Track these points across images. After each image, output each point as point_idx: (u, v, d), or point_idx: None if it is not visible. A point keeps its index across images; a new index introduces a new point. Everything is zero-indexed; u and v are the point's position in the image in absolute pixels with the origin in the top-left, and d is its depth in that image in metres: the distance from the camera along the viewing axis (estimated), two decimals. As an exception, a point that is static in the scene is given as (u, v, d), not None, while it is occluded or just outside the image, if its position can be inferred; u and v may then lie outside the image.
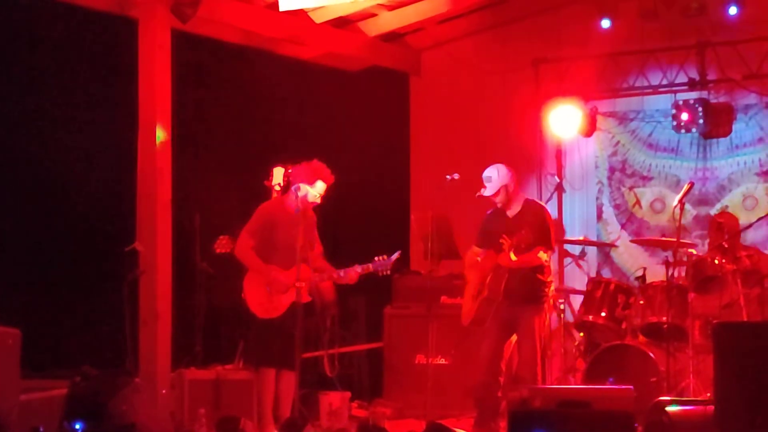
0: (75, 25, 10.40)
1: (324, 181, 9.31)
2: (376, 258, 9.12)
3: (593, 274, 11.01)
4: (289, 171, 9.52)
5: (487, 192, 9.23)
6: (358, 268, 9.18)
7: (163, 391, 9.47)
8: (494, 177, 9.23)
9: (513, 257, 8.94)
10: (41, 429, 7.94)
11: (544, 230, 9.12)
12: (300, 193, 9.18)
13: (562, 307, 10.85)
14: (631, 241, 11.46)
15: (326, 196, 9.42)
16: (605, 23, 11.21)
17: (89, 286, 10.52)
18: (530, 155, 11.93)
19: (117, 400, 8.02)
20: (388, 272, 9.22)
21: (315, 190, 9.29)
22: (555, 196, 11.98)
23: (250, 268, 9.31)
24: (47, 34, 10.45)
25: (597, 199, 12.11)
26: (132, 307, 9.61)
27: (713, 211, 11.21)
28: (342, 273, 9.25)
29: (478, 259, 9.32)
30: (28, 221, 10.46)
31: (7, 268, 10.07)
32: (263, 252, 9.30)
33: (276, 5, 10.43)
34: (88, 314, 10.49)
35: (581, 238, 11.51)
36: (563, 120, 11.69)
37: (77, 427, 7.92)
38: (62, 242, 10.61)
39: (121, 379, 8.40)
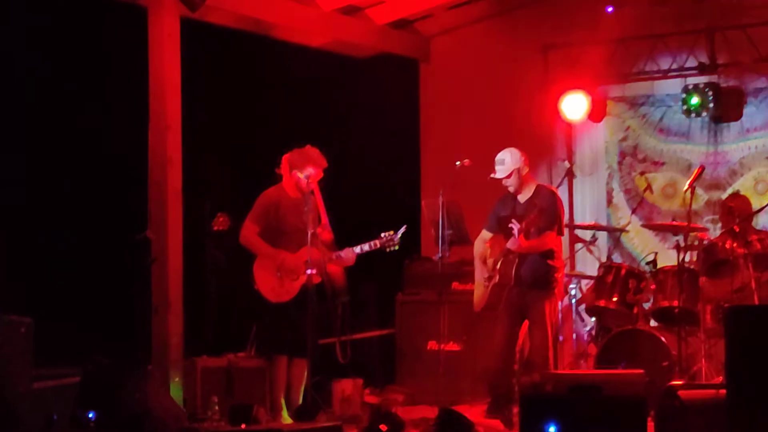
0: (84, 13, 10.40)
1: (314, 167, 9.31)
2: (382, 234, 9.15)
3: (604, 259, 11.00)
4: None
5: (499, 174, 9.21)
6: (365, 246, 9.21)
7: (176, 379, 9.50)
8: (507, 160, 9.21)
9: (522, 242, 8.94)
10: (54, 417, 7.97)
11: (554, 215, 9.11)
12: (301, 176, 9.23)
13: (573, 292, 10.86)
14: (642, 225, 11.43)
15: (339, 182, 9.43)
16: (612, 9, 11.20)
17: (101, 274, 10.54)
18: (540, 141, 11.90)
19: (129, 388, 8.04)
20: (396, 247, 9.25)
21: (305, 175, 9.29)
22: (565, 181, 11.98)
23: (258, 253, 9.33)
24: (56, 22, 10.45)
25: (607, 184, 12.10)
26: (144, 295, 9.63)
27: (724, 196, 11.19)
28: (335, 256, 9.29)
29: (487, 246, 9.33)
30: (39, 209, 10.47)
31: (18, 257, 10.09)
32: (270, 237, 9.33)
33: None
34: (99, 302, 10.50)
35: (592, 223, 11.51)
36: (573, 105, 11.69)
37: (90, 415, 7.94)
38: (73, 230, 10.62)
39: (133, 367, 8.43)
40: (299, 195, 9.26)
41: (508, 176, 9.21)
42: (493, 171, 9.24)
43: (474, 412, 9.20)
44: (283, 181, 9.53)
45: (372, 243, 9.23)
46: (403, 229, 9.22)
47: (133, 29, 9.92)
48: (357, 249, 9.27)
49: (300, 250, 9.12)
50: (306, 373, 9.14)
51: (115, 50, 10.52)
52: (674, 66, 11.55)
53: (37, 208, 10.41)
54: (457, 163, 9.41)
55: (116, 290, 10.11)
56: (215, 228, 10.14)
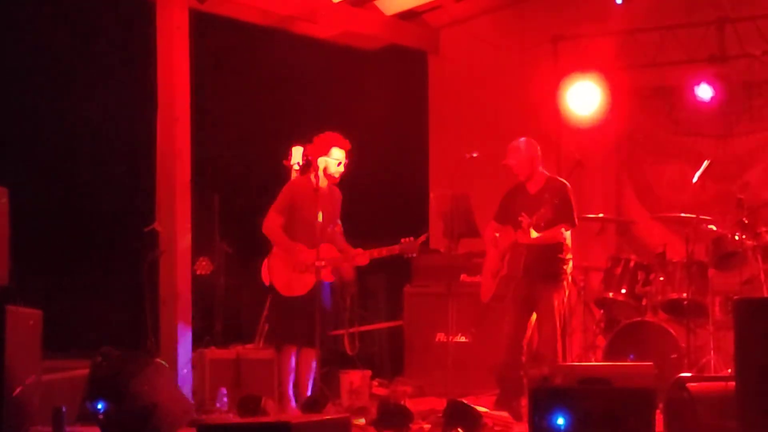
0: (94, 5, 10.41)
1: (339, 146, 9.27)
2: (402, 240, 9.08)
3: (613, 251, 10.97)
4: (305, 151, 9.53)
5: (511, 161, 9.19)
6: (383, 250, 9.14)
7: (184, 371, 9.51)
8: (522, 148, 9.21)
9: (534, 234, 8.92)
10: (63, 409, 7.98)
11: (566, 207, 9.09)
12: (320, 167, 9.17)
13: (582, 284, 10.83)
14: (651, 217, 11.42)
15: (347, 174, 9.40)
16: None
17: (109, 266, 10.56)
18: (549, 132, 11.87)
19: (138, 381, 8.05)
20: (415, 254, 9.18)
21: (333, 158, 9.26)
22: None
23: (277, 245, 9.28)
24: (67, 14, 10.46)
25: (616, 175, 12.07)
26: (152, 288, 9.65)
27: (734, 188, 11.15)
28: (353, 255, 9.25)
29: (497, 234, 9.32)
30: (48, 202, 10.49)
31: (28, 249, 10.11)
32: (289, 230, 9.30)
33: (293, -16, 10.44)
34: (108, 295, 10.53)
35: (600, 215, 11.49)
36: (582, 96, 11.65)
37: (99, 407, 7.95)
38: (82, 223, 10.65)
39: (142, 360, 8.44)
40: (326, 187, 9.21)
41: (521, 164, 9.19)
42: (506, 158, 9.22)
43: (482, 404, 9.18)
44: (303, 174, 9.50)
45: (390, 248, 9.13)
46: (423, 237, 9.16)
47: (142, 21, 9.92)
48: (375, 253, 9.19)
49: (318, 246, 9.03)
50: (314, 364, 9.11)
51: (124, 42, 10.54)
52: (684, 57, 11.51)
53: (46, 200, 10.44)
54: (467, 155, 9.38)
55: (125, 282, 10.13)
56: (198, 272, 10.07)
